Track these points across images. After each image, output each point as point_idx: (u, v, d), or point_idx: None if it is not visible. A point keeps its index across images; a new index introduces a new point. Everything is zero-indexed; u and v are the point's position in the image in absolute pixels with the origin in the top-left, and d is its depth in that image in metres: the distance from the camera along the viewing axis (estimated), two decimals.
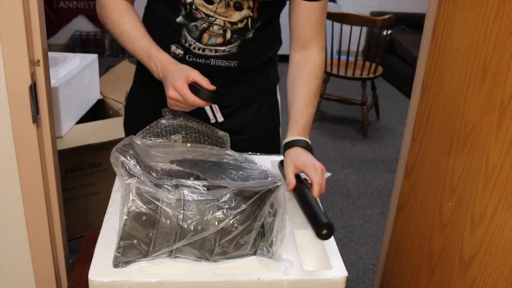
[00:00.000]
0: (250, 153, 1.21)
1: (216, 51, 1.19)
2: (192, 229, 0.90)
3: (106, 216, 0.99)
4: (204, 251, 0.91)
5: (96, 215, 2.24)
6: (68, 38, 5.09)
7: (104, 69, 2.90)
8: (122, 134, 1.38)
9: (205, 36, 1.17)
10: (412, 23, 5.21)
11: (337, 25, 3.77)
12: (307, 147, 1.16)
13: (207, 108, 1.27)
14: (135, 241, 0.90)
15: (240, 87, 1.28)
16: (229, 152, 1.11)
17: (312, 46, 1.22)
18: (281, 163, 1.20)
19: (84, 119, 2.33)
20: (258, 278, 0.87)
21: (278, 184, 0.94)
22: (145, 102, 1.33)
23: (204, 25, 1.16)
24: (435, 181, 1.22)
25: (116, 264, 0.87)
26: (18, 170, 1.15)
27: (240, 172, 1.02)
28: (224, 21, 1.16)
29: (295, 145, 1.16)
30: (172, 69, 1.11)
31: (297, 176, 1.12)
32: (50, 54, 1.96)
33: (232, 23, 1.16)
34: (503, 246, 0.95)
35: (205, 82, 1.07)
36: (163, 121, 1.21)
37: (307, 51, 1.23)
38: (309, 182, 1.10)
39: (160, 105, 1.23)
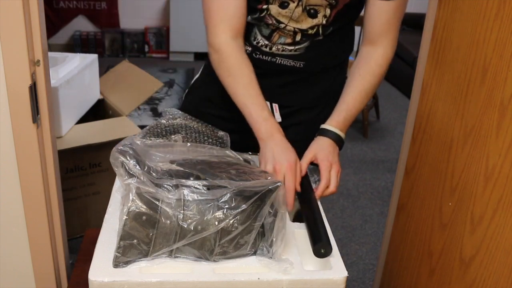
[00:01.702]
0: (250, 153, 1.21)
1: (283, 49, 1.19)
2: (192, 229, 0.90)
3: (106, 216, 0.99)
4: (204, 251, 0.91)
5: (96, 215, 2.24)
6: (68, 38, 5.09)
7: (104, 69, 2.90)
8: (122, 134, 1.38)
9: (275, 35, 1.17)
10: (412, 23, 5.20)
11: None
12: (338, 141, 1.17)
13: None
14: (135, 241, 0.90)
15: (305, 89, 1.27)
16: (229, 152, 1.11)
17: (379, 43, 1.20)
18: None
19: (84, 119, 2.33)
20: (258, 278, 0.87)
21: (278, 184, 0.94)
22: (205, 95, 1.34)
23: (274, 27, 1.17)
24: (435, 181, 1.22)
25: (116, 264, 0.87)
26: (18, 170, 1.14)
27: (240, 172, 1.02)
28: (294, 27, 1.16)
29: (327, 136, 1.17)
30: (284, 144, 1.11)
31: (306, 178, 1.12)
32: (50, 54, 1.96)
33: (302, 30, 1.16)
34: (503, 246, 0.95)
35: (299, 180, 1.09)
36: (163, 121, 1.21)
37: (373, 47, 1.20)
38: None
39: (217, 100, 1.26)
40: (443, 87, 1.20)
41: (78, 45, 5.02)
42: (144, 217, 0.91)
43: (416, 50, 4.31)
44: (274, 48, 1.19)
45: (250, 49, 1.21)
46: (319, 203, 1.09)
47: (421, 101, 1.31)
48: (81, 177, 2.17)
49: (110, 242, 0.91)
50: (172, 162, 1.04)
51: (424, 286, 1.27)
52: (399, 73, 4.78)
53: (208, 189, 0.94)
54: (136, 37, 5.14)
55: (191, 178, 0.98)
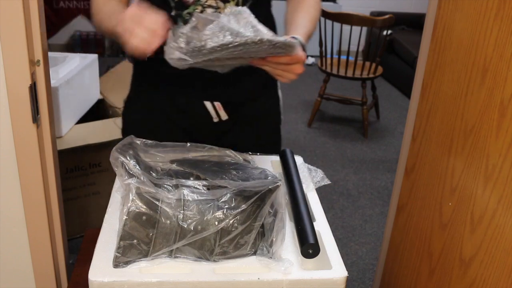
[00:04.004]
0: (250, 153, 1.21)
1: None
2: (192, 229, 0.90)
3: (106, 216, 0.99)
4: (204, 251, 0.91)
5: (96, 215, 2.24)
6: (68, 38, 5.09)
7: (104, 69, 2.90)
8: None
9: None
10: (412, 23, 5.21)
11: (337, 25, 3.77)
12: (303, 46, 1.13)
13: (209, 107, 1.24)
14: (135, 241, 0.90)
15: (243, 78, 1.26)
16: (229, 152, 1.11)
17: None
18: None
19: (84, 119, 2.33)
20: (258, 278, 0.87)
21: (278, 184, 0.94)
22: (145, 109, 1.31)
23: (196, 10, 1.15)
24: (435, 181, 1.22)
25: (116, 264, 0.87)
26: (18, 170, 1.14)
27: (240, 172, 1.02)
28: (215, 1, 1.15)
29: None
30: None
31: (297, 176, 1.11)
32: (50, 54, 1.96)
33: (224, 1, 1.15)
34: (503, 246, 0.95)
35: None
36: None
37: None
38: None
39: (160, 108, 1.23)
40: (443, 87, 1.20)
41: (78, 45, 5.01)
42: (144, 217, 0.91)
43: (416, 50, 4.32)
44: None
45: None
46: (319, 203, 1.08)
47: (421, 101, 1.31)
48: (81, 177, 2.17)
49: (110, 242, 0.91)
50: (172, 162, 1.04)
51: (424, 286, 1.27)
52: (399, 73, 4.78)
53: (208, 189, 0.94)
54: None
55: (191, 178, 0.98)
